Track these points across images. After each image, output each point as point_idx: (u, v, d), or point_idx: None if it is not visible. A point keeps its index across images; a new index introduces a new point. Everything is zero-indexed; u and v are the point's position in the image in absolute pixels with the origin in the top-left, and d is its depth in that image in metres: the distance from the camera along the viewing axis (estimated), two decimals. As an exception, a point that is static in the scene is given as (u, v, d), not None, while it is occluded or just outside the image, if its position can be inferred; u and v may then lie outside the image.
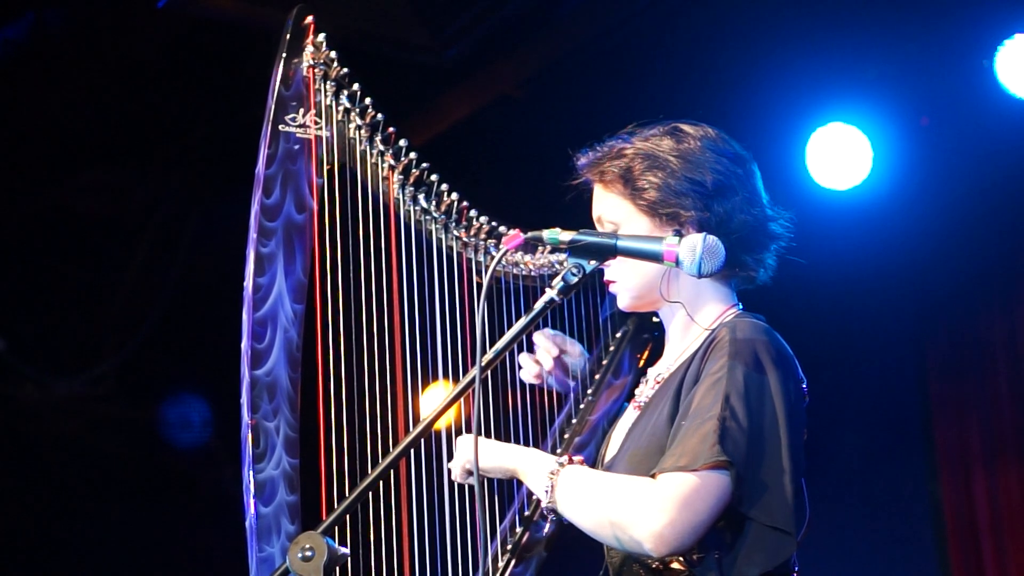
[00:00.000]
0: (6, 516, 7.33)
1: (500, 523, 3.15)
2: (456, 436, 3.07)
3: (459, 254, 3.22)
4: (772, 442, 2.82)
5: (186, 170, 6.83)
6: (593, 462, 3.18)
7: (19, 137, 6.56)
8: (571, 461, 2.92)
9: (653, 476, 2.81)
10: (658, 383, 3.05)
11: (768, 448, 2.81)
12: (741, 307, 3.06)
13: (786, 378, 2.87)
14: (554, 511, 2.91)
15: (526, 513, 3.14)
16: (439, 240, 3.21)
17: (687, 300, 3.03)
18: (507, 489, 3.15)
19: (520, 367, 3.33)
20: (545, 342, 3.32)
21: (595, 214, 3.09)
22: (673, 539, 2.77)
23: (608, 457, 3.08)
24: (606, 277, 3.09)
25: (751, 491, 2.79)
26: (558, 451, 3.22)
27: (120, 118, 6.53)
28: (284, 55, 3.17)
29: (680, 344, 3.06)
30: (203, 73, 6.26)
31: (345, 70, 3.19)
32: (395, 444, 2.86)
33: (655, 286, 3.03)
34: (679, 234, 2.89)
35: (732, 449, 2.76)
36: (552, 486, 2.89)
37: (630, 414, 3.11)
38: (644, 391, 3.10)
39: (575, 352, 3.36)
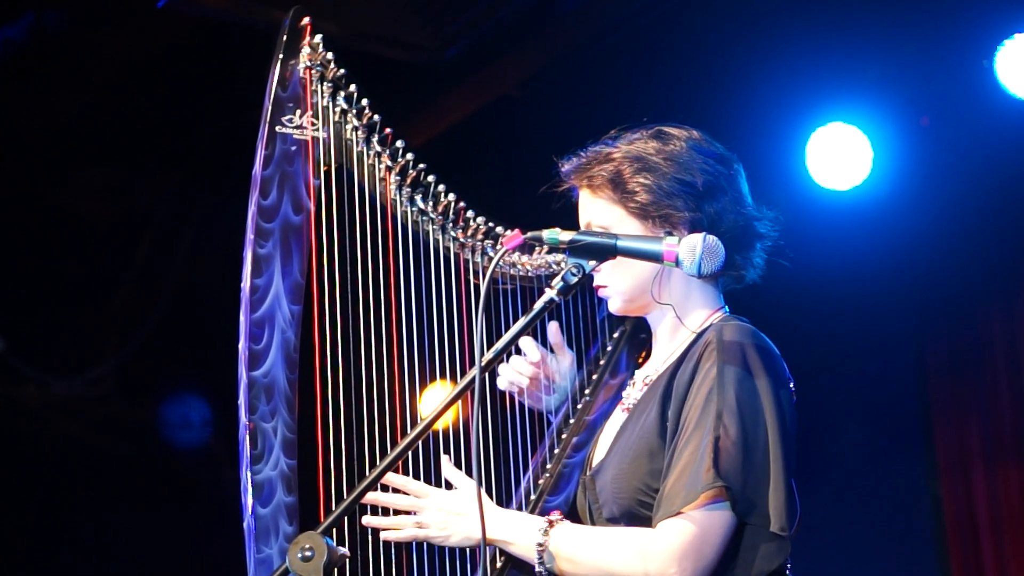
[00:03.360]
0: (6, 516, 7.33)
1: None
2: (455, 437, 3.07)
3: (456, 255, 3.22)
4: (766, 449, 2.83)
5: (185, 170, 6.83)
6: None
7: (19, 137, 6.56)
8: (551, 523, 2.91)
9: (652, 525, 2.82)
10: (646, 385, 3.06)
11: (762, 456, 2.83)
12: (727, 309, 3.07)
13: (775, 380, 2.88)
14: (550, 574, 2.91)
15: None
16: (436, 241, 3.21)
17: (677, 302, 3.04)
18: (506, 489, 3.15)
19: (498, 375, 3.30)
20: (529, 351, 3.29)
21: (583, 220, 3.08)
22: None
23: (596, 460, 3.08)
24: (596, 282, 3.08)
25: (749, 500, 2.80)
26: (556, 451, 3.22)
27: (120, 118, 6.52)
28: (281, 56, 3.17)
29: (668, 347, 3.07)
30: (202, 73, 6.26)
31: (342, 71, 3.19)
32: (395, 444, 2.85)
33: (647, 288, 3.03)
34: (670, 235, 2.89)
35: (728, 471, 2.78)
36: (544, 552, 2.88)
37: (618, 416, 3.11)
38: (632, 393, 3.10)
39: (566, 363, 3.34)
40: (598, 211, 3.04)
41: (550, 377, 3.31)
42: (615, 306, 3.09)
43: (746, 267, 3.05)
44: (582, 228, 3.07)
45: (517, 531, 2.93)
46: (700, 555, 2.78)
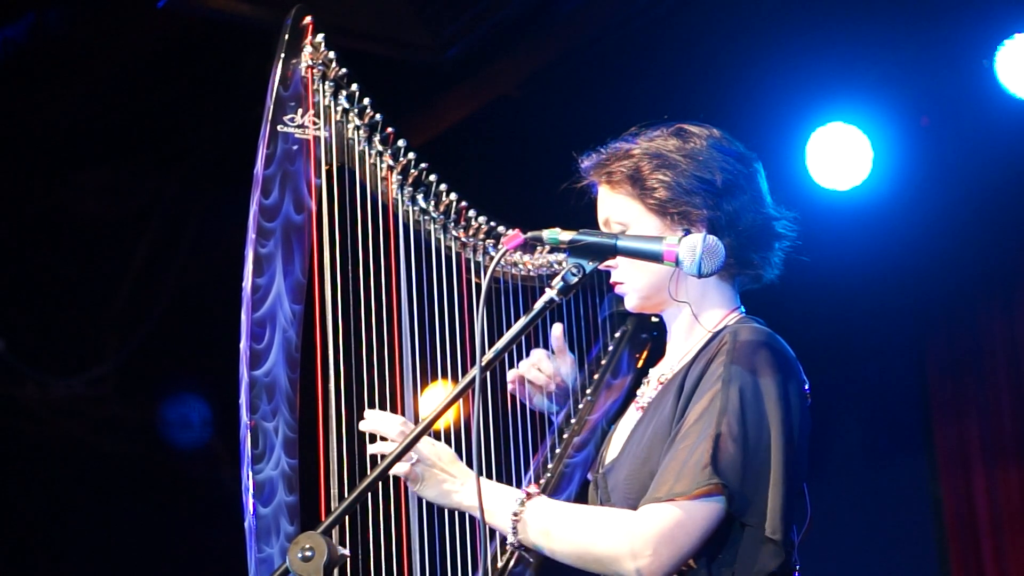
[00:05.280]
0: (6, 516, 7.33)
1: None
2: (455, 437, 3.07)
3: (458, 254, 3.22)
4: (768, 451, 2.82)
5: (186, 170, 6.83)
6: (592, 462, 3.18)
7: (19, 137, 6.56)
8: (528, 495, 2.90)
9: (635, 508, 2.82)
10: (661, 383, 3.05)
11: (764, 457, 2.82)
12: (743, 310, 3.06)
13: (786, 383, 2.87)
14: (524, 547, 2.89)
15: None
16: (438, 240, 3.20)
17: (693, 300, 3.02)
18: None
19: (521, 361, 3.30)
20: (535, 360, 3.29)
21: (601, 217, 3.08)
22: (659, 573, 2.78)
23: (609, 459, 3.08)
24: (613, 279, 3.08)
25: (746, 500, 2.80)
26: (557, 451, 3.22)
27: (120, 118, 6.53)
28: (283, 55, 3.17)
29: (684, 345, 3.06)
30: (203, 73, 6.26)
31: (343, 70, 3.19)
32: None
33: (664, 286, 3.02)
34: (688, 233, 2.87)
35: (726, 469, 2.77)
36: (518, 523, 2.87)
37: (632, 415, 3.10)
38: (646, 392, 3.09)
39: (566, 367, 3.33)
40: (617, 207, 3.04)
41: (554, 382, 3.31)
42: (632, 303, 3.08)
43: (764, 267, 3.03)
44: (601, 224, 3.08)
45: (493, 500, 2.90)
46: (678, 544, 2.78)
